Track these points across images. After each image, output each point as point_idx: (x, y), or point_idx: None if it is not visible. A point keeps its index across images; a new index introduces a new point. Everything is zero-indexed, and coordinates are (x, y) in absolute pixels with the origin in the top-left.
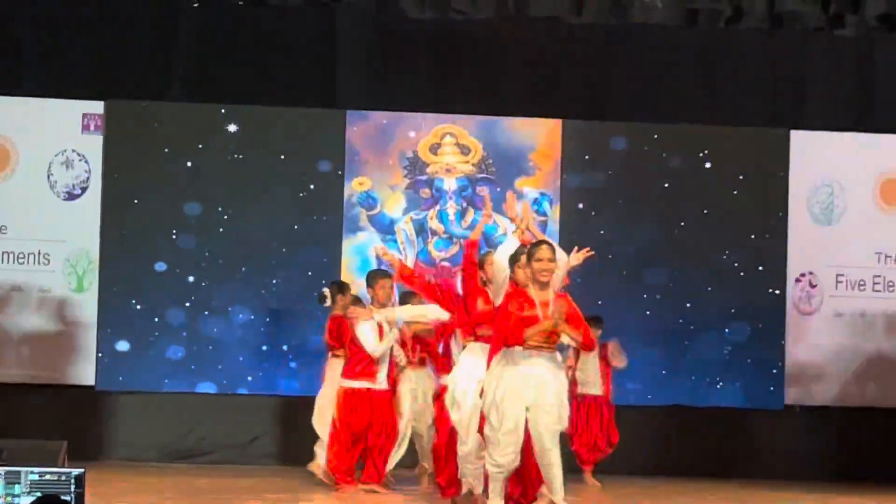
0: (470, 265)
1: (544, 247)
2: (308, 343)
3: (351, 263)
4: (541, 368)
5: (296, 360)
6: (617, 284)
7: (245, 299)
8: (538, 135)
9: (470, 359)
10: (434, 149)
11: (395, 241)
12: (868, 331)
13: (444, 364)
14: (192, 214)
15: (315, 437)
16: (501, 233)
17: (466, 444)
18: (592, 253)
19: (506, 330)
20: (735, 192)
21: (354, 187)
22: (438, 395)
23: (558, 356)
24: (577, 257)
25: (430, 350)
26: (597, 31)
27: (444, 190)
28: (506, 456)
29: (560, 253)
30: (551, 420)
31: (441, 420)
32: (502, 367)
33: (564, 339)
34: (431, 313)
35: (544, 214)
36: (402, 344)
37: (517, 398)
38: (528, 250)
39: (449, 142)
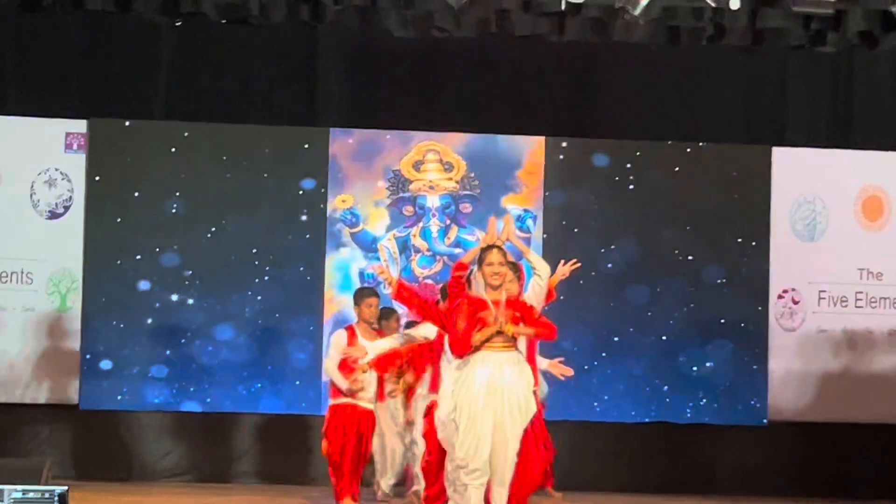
0: (455, 285)
1: (494, 251)
2: (292, 361)
3: (334, 280)
4: (499, 371)
5: (280, 378)
6: (599, 301)
7: (229, 317)
8: (521, 152)
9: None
10: (417, 165)
11: (378, 258)
12: (851, 347)
13: (436, 382)
14: (176, 233)
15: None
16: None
17: (453, 461)
18: (578, 264)
19: (454, 340)
20: (717, 209)
21: (337, 205)
22: (429, 411)
23: (518, 354)
24: (564, 271)
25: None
26: (579, 49)
27: (428, 207)
28: (467, 449)
29: (542, 266)
30: (517, 423)
31: (431, 435)
32: (460, 372)
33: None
34: (423, 335)
35: (528, 231)
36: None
37: (476, 403)
38: (479, 255)
39: (432, 158)
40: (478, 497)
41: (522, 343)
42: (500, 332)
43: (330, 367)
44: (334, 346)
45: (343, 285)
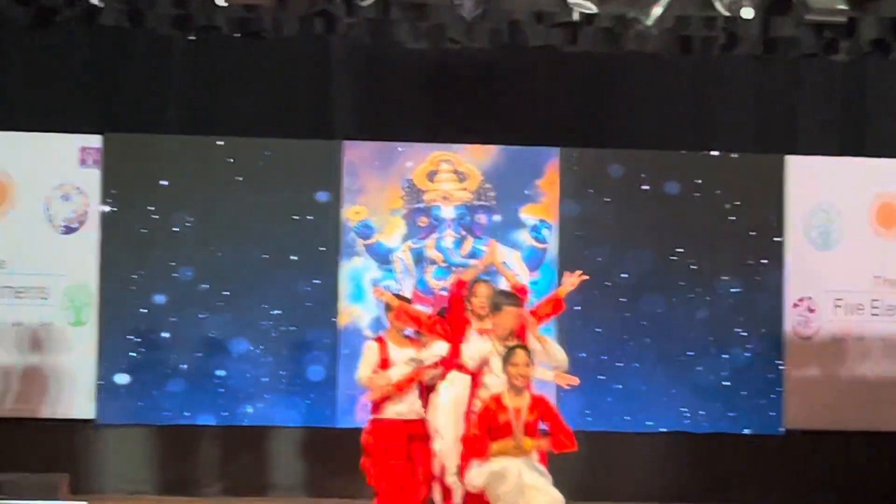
0: (455, 302)
1: (520, 351)
2: (307, 373)
3: (346, 290)
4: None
5: (296, 390)
6: (614, 311)
7: (244, 330)
8: (535, 163)
9: (450, 389)
10: (431, 176)
11: (393, 270)
12: (867, 355)
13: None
14: (191, 247)
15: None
16: (501, 261)
17: (451, 474)
18: (586, 277)
19: (469, 442)
20: (732, 218)
21: (350, 216)
22: None
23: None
24: (572, 282)
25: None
26: (592, 59)
27: (443, 218)
28: None
29: (559, 357)
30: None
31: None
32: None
33: None
34: (437, 352)
35: (543, 241)
36: None
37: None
38: (504, 354)
39: (446, 168)
40: None
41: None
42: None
43: (364, 378)
44: (366, 358)
45: (355, 296)
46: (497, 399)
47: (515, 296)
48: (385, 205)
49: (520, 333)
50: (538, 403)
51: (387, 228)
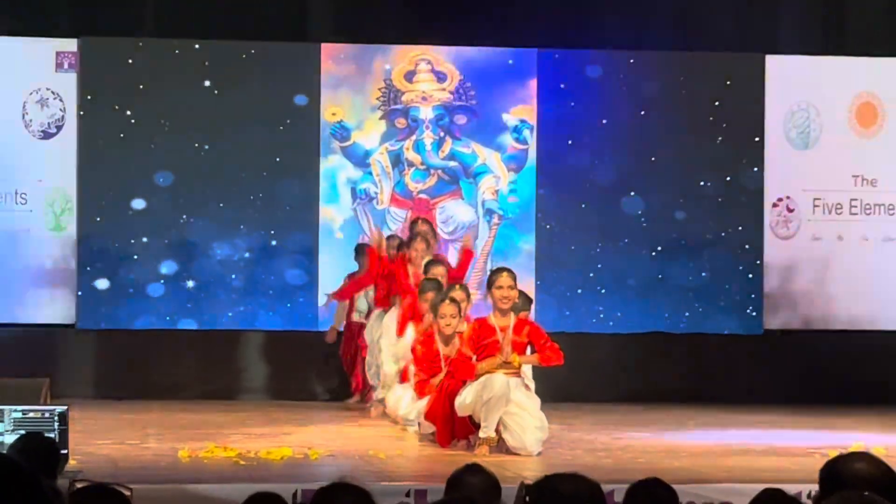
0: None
1: (504, 274)
2: (288, 277)
3: (325, 192)
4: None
5: (277, 294)
6: (594, 213)
7: (223, 235)
8: (514, 64)
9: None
10: (409, 76)
11: (371, 173)
12: (846, 254)
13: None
14: (169, 151)
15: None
16: (480, 162)
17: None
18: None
19: (459, 364)
20: (711, 119)
21: (327, 118)
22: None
23: (521, 379)
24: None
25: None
26: None
27: (421, 119)
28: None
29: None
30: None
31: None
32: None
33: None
34: None
35: (524, 142)
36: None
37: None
38: (488, 277)
39: (424, 68)
40: None
41: None
42: (505, 362)
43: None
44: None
45: (330, 198)
46: (483, 321)
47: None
48: (362, 106)
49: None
50: (524, 323)
51: (364, 130)
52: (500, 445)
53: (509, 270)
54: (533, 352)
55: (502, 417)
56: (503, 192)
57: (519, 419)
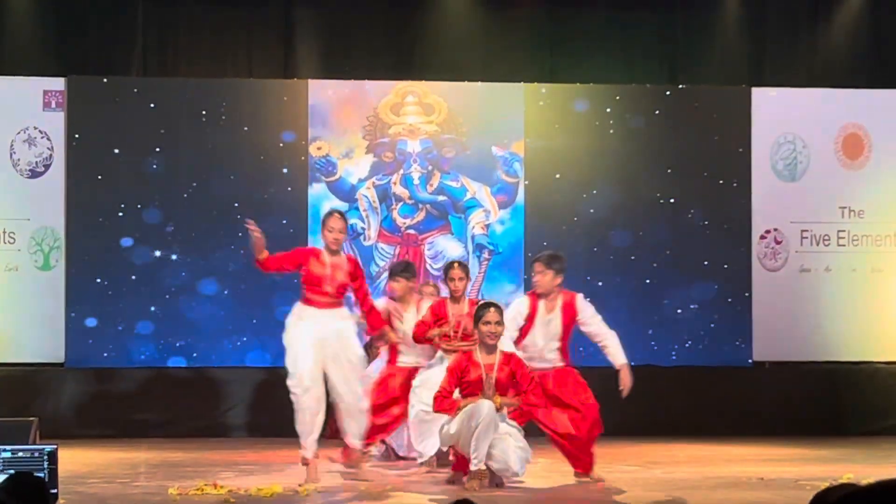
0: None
1: (492, 309)
2: (276, 314)
3: (311, 226)
4: (489, 405)
5: (265, 331)
6: (583, 246)
7: (212, 272)
8: (501, 98)
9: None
10: (396, 109)
11: (358, 208)
12: (834, 285)
13: None
14: (157, 189)
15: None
16: (469, 196)
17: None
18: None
19: (439, 397)
20: (697, 151)
21: (312, 152)
22: None
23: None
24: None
25: None
26: None
27: (409, 153)
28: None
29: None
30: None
31: None
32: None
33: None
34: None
35: (515, 175)
36: None
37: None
38: (475, 312)
39: (411, 101)
40: None
41: None
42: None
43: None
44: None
45: (313, 230)
46: (469, 356)
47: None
48: (349, 140)
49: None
50: (508, 360)
51: (350, 164)
52: (491, 479)
53: (496, 305)
54: (517, 392)
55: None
56: (493, 226)
57: (501, 442)
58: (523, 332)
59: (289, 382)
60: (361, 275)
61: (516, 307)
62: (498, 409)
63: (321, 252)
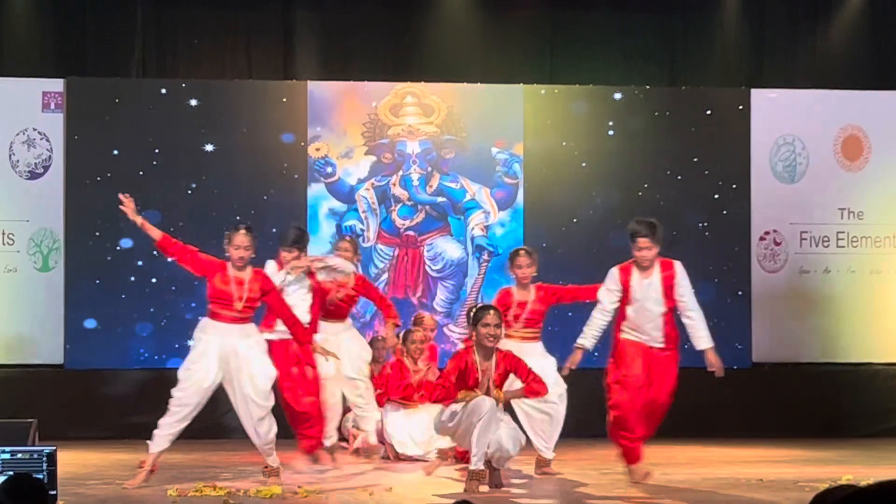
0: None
1: (491, 312)
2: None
3: (310, 227)
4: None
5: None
6: (582, 248)
7: None
8: (500, 100)
9: None
10: (395, 110)
11: (357, 209)
12: (833, 286)
13: None
14: (157, 190)
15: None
16: (469, 198)
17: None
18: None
19: (438, 391)
20: (697, 153)
21: (311, 153)
22: None
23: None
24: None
25: None
26: None
27: (408, 154)
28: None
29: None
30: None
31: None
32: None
33: None
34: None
35: (515, 177)
36: None
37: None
38: (474, 313)
39: (411, 102)
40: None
41: None
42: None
43: None
44: None
45: (313, 230)
46: (467, 357)
47: None
48: (348, 141)
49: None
50: (503, 359)
51: (349, 165)
52: (490, 479)
53: (496, 309)
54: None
55: None
56: (493, 228)
57: (502, 431)
58: (623, 303)
59: (175, 392)
60: (272, 288)
61: (610, 280)
62: (500, 403)
63: (227, 267)
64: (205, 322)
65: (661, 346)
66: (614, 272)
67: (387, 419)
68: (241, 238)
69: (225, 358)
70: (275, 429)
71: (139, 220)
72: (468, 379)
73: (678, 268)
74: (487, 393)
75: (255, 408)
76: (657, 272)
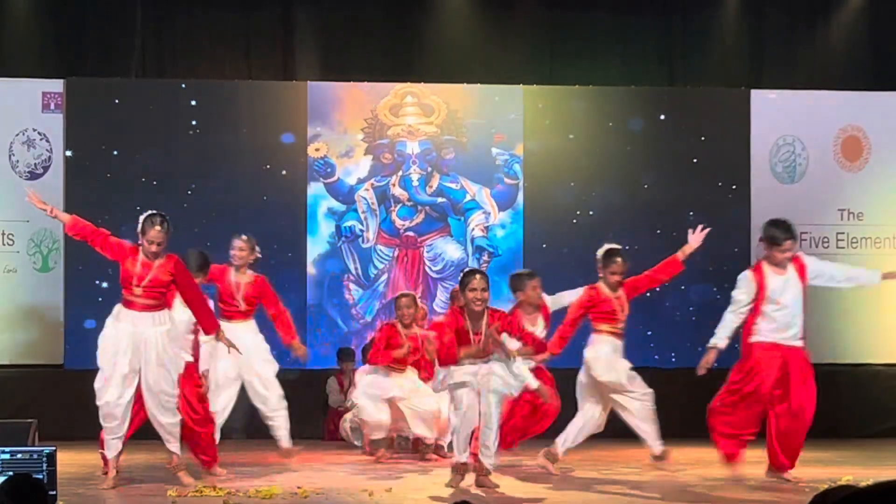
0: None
1: (478, 276)
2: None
3: (310, 228)
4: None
5: (265, 331)
6: (581, 248)
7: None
8: (500, 100)
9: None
10: (395, 110)
11: (356, 210)
12: (832, 288)
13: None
14: (156, 190)
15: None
16: (469, 198)
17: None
18: (708, 229)
19: (442, 351)
20: (697, 153)
21: (310, 153)
22: None
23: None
24: (697, 237)
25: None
26: None
27: (408, 154)
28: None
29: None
30: (500, 385)
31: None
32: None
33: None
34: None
35: (515, 177)
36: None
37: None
38: (461, 279)
39: (410, 102)
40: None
41: None
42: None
43: None
44: None
45: (311, 229)
46: (459, 319)
47: None
48: (347, 141)
49: None
50: (493, 318)
51: (348, 165)
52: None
53: (482, 273)
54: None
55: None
56: (494, 229)
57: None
58: (757, 303)
59: (96, 385)
60: (182, 271)
61: (743, 282)
62: (523, 353)
63: (138, 252)
64: (117, 309)
65: (801, 344)
66: (747, 274)
67: (362, 396)
68: (155, 234)
69: (135, 347)
70: (177, 417)
71: (48, 207)
72: (462, 342)
73: (803, 258)
74: (487, 352)
75: (164, 399)
76: (791, 267)
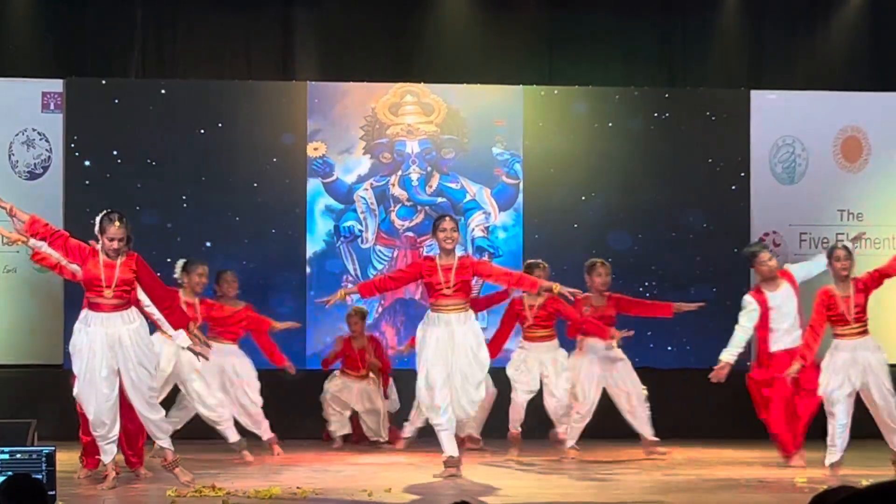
0: None
1: (447, 218)
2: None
3: (309, 227)
4: (453, 325)
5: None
6: (581, 249)
7: (210, 274)
8: (499, 100)
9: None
10: (395, 109)
11: (356, 210)
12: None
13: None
14: (156, 191)
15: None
16: (469, 198)
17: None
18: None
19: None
20: (696, 154)
21: (310, 153)
22: None
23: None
24: (694, 306)
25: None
26: None
27: (407, 153)
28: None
29: None
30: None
31: None
32: (422, 333)
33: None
34: None
35: (516, 177)
36: None
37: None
38: (433, 223)
39: (410, 101)
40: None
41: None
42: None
43: None
44: None
45: (311, 230)
46: (429, 258)
47: None
48: (347, 141)
49: None
50: (465, 262)
51: (347, 165)
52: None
53: (451, 216)
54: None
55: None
56: (494, 229)
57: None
58: (763, 322)
59: (75, 391)
60: (144, 267)
61: (748, 304)
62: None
63: (98, 254)
64: (84, 314)
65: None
66: (750, 298)
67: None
68: (114, 231)
69: (111, 349)
70: (162, 412)
71: (7, 205)
72: (431, 280)
73: (788, 268)
74: (454, 293)
75: (144, 396)
76: (784, 282)
